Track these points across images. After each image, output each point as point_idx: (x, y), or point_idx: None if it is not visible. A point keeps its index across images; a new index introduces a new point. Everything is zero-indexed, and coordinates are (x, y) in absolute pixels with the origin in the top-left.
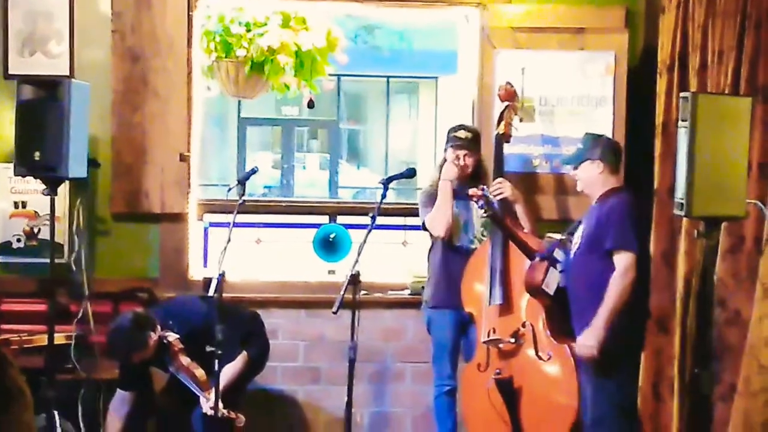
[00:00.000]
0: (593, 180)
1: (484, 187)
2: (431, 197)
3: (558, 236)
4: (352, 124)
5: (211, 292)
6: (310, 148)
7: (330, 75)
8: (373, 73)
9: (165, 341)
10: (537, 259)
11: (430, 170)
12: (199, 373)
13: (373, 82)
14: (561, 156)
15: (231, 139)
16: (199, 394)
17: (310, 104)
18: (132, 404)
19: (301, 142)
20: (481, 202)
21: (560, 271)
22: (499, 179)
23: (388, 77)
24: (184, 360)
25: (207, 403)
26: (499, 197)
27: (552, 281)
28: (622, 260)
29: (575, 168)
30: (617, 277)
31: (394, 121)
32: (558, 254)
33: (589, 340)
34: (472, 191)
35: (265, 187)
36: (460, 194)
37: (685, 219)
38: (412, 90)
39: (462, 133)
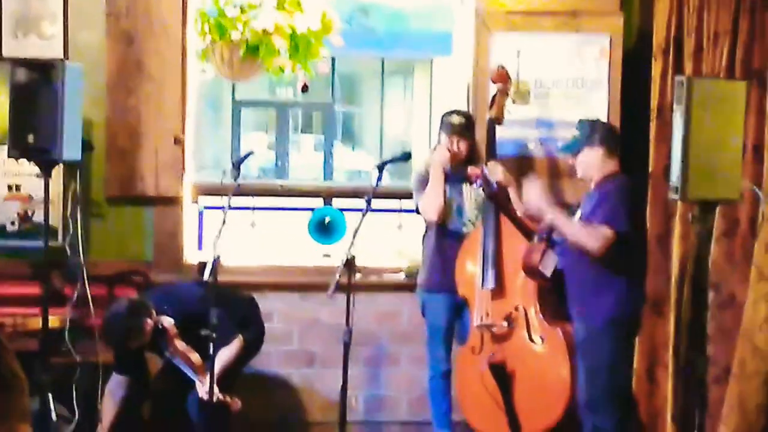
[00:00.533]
0: (593, 165)
1: (484, 166)
2: (424, 182)
3: None
4: (346, 105)
5: (206, 276)
6: (305, 130)
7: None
8: (367, 55)
9: (160, 326)
10: (535, 240)
11: (425, 152)
12: (195, 357)
13: (368, 64)
14: (555, 139)
15: (225, 122)
16: (194, 378)
17: (304, 89)
18: (127, 388)
19: (296, 124)
20: (479, 182)
21: (558, 254)
22: (492, 163)
23: (383, 58)
24: (180, 345)
25: (203, 387)
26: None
27: (549, 263)
28: (603, 230)
29: (574, 156)
30: (592, 232)
31: (389, 102)
32: (556, 236)
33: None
34: (470, 170)
35: (260, 169)
36: (453, 178)
37: (680, 202)
38: (407, 71)
39: (455, 119)
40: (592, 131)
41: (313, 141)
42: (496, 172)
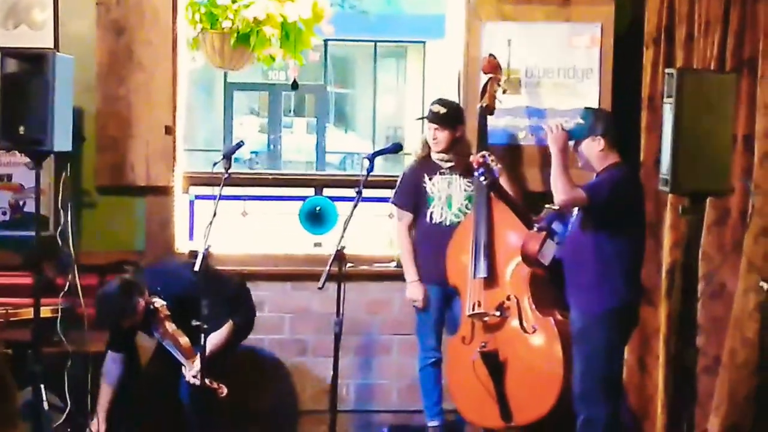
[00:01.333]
0: (594, 156)
1: (486, 154)
2: (410, 177)
3: (556, 207)
4: (339, 87)
5: (196, 267)
6: (298, 113)
7: (316, 45)
8: (360, 38)
9: (152, 307)
10: (535, 229)
11: (417, 137)
12: (184, 341)
13: (361, 47)
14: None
15: (217, 104)
16: (182, 362)
17: (294, 85)
18: (122, 366)
19: (289, 106)
20: (481, 170)
21: (557, 243)
22: (483, 153)
23: (376, 42)
24: (170, 327)
25: (190, 371)
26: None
27: (548, 252)
28: (577, 191)
29: (576, 144)
30: (566, 186)
31: (382, 85)
32: (556, 226)
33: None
34: (473, 158)
35: (252, 152)
36: (441, 169)
37: None
38: (400, 54)
39: (436, 107)
40: (596, 121)
41: (306, 124)
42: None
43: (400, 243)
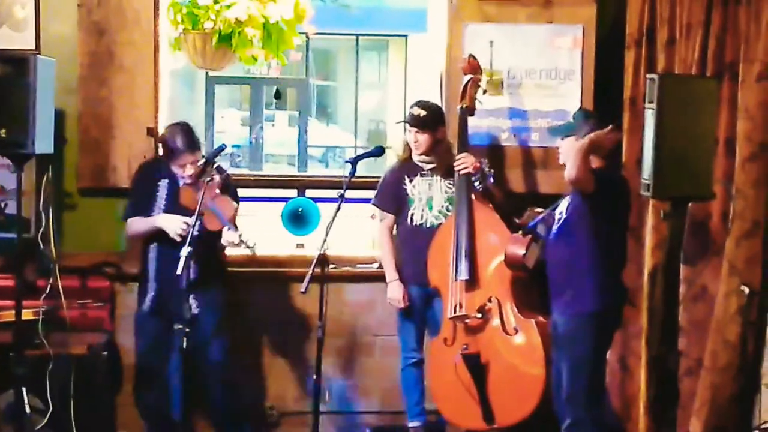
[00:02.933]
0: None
1: (483, 160)
2: (390, 178)
3: (541, 210)
4: (321, 79)
5: (179, 270)
6: (280, 106)
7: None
8: (342, 31)
9: (210, 178)
10: (520, 233)
11: (399, 132)
12: (233, 206)
13: (343, 40)
14: (528, 129)
15: (199, 98)
16: (225, 224)
17: (277, 95)
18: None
19: (270, 100)
20: (477, 174)
21: (541, 247)
22: (464, 154)
23: (358, 35)
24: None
25: (234, 233)
26: (462, 172)
27: (532, 256)
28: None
29: (562, 139)
30: (580, 163)
31: (364, 78)
32: (540, 229)
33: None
34: (474, 163)
35: (234, 147)
36: (422, 171)
37: None
38: (382, 48)
39: (416, 110)
40: (583, 123)
41: (288, 116)
42: (467, 162)
43: (381, 243)
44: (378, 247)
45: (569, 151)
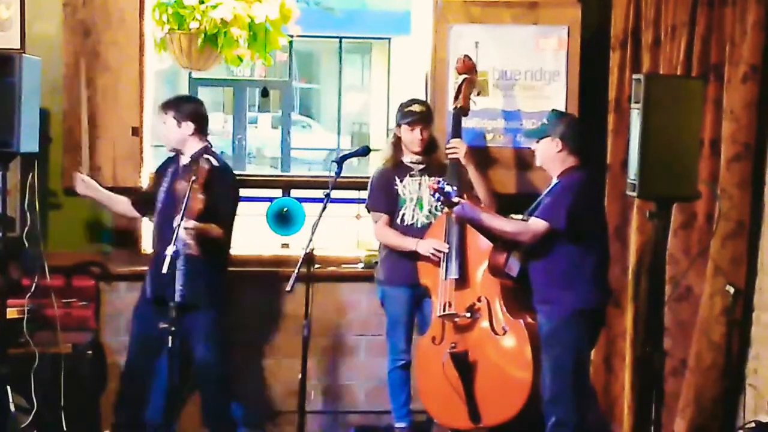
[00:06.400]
0: (551, 157)
1: (440, 180)
2: (380, 180)
3: (520, 217)
4: (304, 82)
5: (164, 269)
6: (263, 108)
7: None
8: (325, 34)
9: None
10: (499, 243)
11: (382, 131)
12: (198, 206)
13: (326, 42)
14: (515, 130)
15: None
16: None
17: (264, 93)
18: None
19: (253, 102)
20: (436, 195)
21: (522, 253)
22: (456, 140)
23: (341, 38)
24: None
25: (184, 222)
26: (452, 156)
27: (514, 264)
28: (535, 223)
29: (537, 142)
30: (522, 225)
31: (347, 80)
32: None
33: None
34: (429, 185)
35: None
36: (411, 171)
37: None
38: (365, 50)
39: (417, 107)
40: (556, 123)
41: (271, 118)
42: (459, 149)
43: (385, 236)
44: (383, 240)
45: (544, 153)
